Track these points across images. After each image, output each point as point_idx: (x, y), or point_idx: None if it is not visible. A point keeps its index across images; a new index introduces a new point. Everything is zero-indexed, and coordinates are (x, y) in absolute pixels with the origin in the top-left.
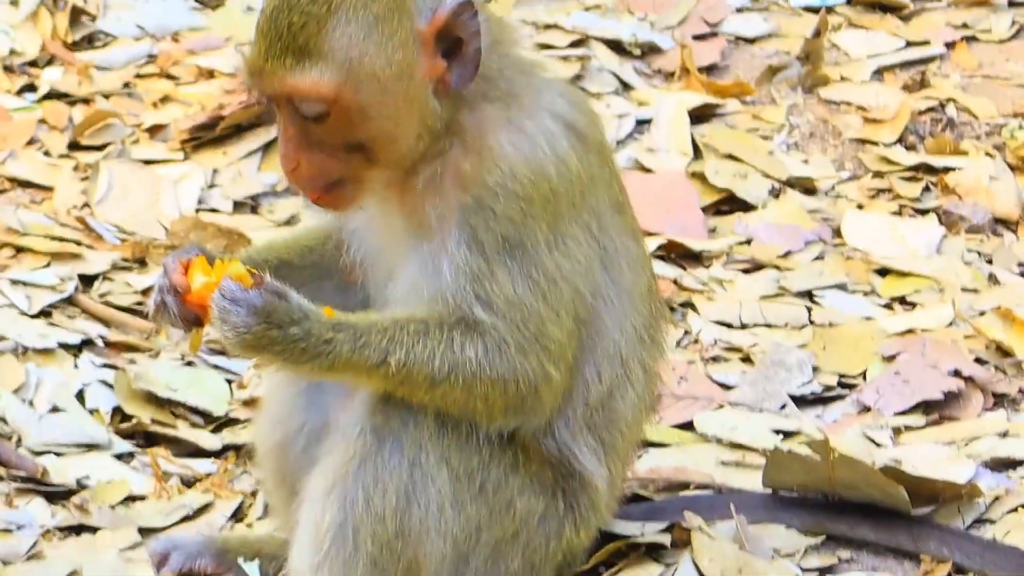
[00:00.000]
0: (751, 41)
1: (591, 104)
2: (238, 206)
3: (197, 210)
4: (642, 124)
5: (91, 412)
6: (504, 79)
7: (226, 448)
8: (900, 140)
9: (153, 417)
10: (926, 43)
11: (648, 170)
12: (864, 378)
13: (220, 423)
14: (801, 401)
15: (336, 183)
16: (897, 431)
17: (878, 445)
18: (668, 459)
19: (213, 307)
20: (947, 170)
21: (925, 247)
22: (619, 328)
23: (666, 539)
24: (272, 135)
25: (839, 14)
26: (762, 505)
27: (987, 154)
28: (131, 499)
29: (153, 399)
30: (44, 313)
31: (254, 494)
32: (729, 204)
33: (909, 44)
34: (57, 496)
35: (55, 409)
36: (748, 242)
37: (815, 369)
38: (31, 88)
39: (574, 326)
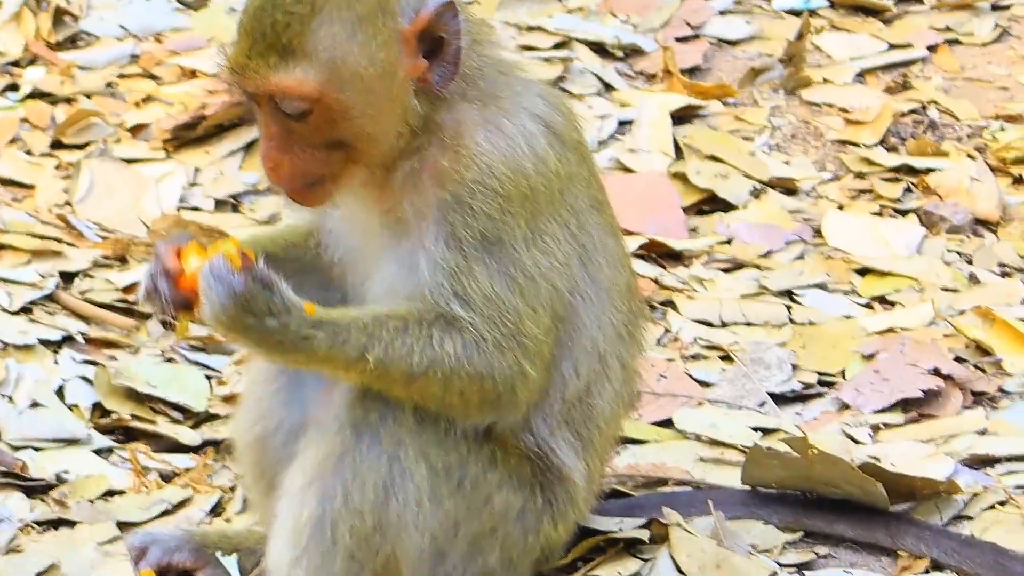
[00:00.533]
0: (733, 43)
1: (570, 104)
2: (219, 205)
3: (179, 208)
4: (624, 125)
5: (71, 408)
6: (484, 78)
7: (205, 443)
8: (882, 142)
9: (133, 413)
10: (908, 46)
11: (630, 170)
12: (844, 376)
13: (200, 419)
14: (781, 399)
15: (315, 181)
16: (876, 429)
17: (857, 442)
18: (647, 455)
19: (201, 280)
20: (928, 171)
21: (905, 247)
22: (597, 324)
23: (644, 535)
24: (254, 135)
25: (821, 17)
26: (740, 501)
27: (968, 156)
28: (110, 494)
29: (133, 395)
30: (25, 310)
31: (233, 489)
32: (710, 204)
33: (891, 47)
34: (36, 490)
35: (35, 404)
36: (729, 242)
37: (795, 367)
38: (14, 88)
39: (551, 323)
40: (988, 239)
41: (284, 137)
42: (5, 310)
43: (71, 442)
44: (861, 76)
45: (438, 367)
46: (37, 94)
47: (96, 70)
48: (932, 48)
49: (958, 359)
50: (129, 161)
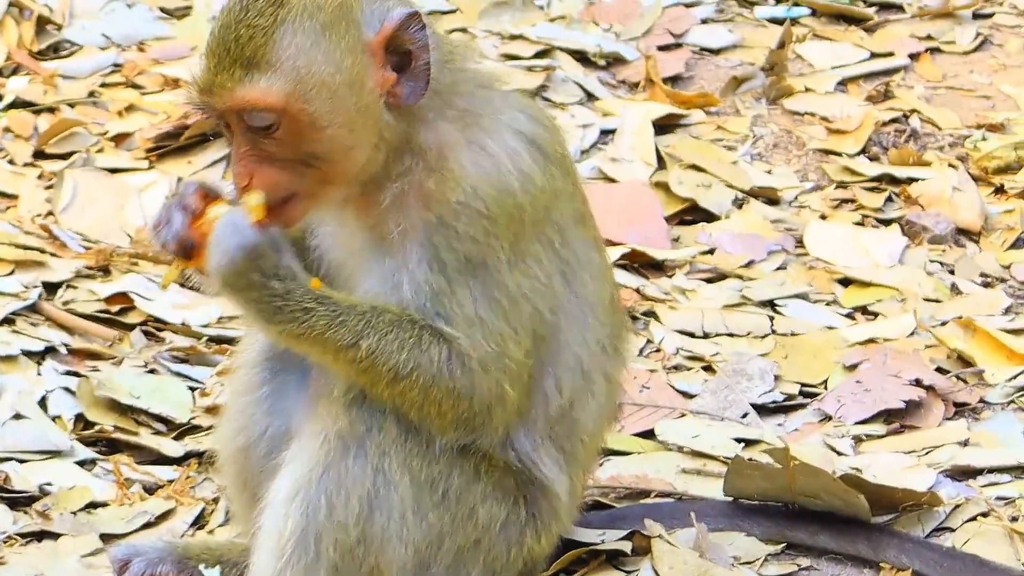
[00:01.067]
0: (715, 52)
1: (551, 117)
2: None
3: None
4: (606, 134)
5: (54, 419)
6: (460, 96)
7: (188, 455)
8: (863, 151)
9: (116, 424)
10: (890, 54)
11: (612, 180)
12: (825, 387)
13: (182, 430)
14: (762, 410)
15: (288, 198)
16: (858, 440)
17: (839, 454)
18: (629, 467)
19: (216, 227)
20: (910, 181)
21: (887, 257)
22: (581, 340)
23: (627, 546)
24: None
25: (803, 25)
26: (723, 513)
27: (950, 165)
28: (93, 505)
29: (116, 406)
30: (7, 320)
31: (216, 501)
32: (692, 214)
33: (873, 55)
34: (19, 502)
35: (18, 416)
36: (711, 252)
37: (777, 378)
38: None
39: (532, 345)
40: (970, 249)
41: (255, 154)
42: None
43: (54, 454)
44: (843, 85)
45: (421, 371)
46: (20, 103)
47: (79, 79)
48: (914, 57)
49: (940, 370)
50: (112, 171)
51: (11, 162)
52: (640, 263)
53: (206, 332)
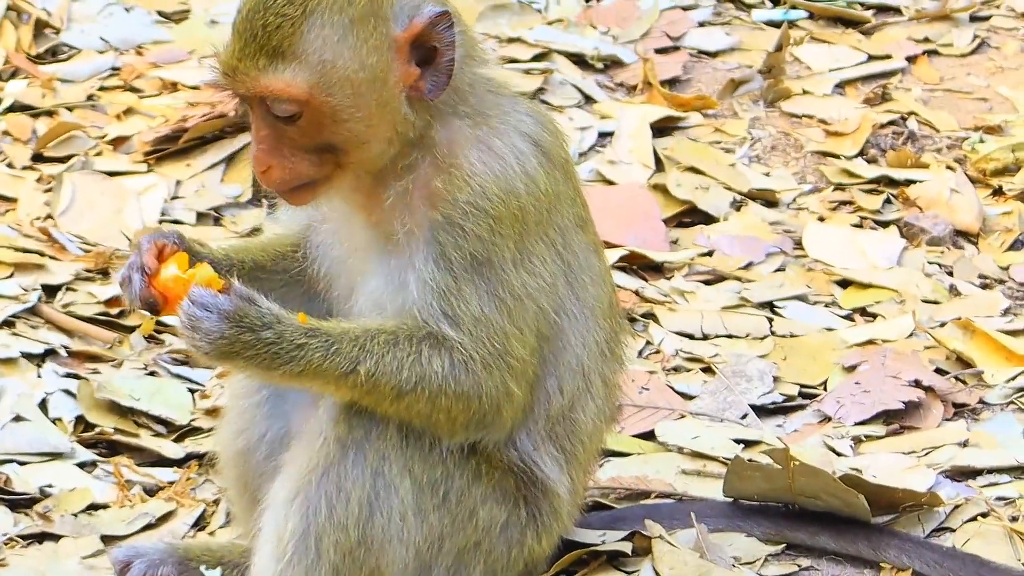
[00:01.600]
0: (713, 55)
1: (556, 122)
2: (201, 217)
3: (160, 221)
4: (604, 137)
5: (54, 421)
6: (474, 95)
7: (188, 457)
8: (861, 153)
9: (116, 426)
10: (887, 57)
11: (610, 182)
12: (825, 388)
13: (183, 432)
14: (762, 411)
15: (304, 183)
16: (857, 441)
17: (838, 454)
18: (630, 468)
19: (182, 315)
20: (908, 183)
21: (886, 259)
22: (581, 342)
23: (627, 547)
24: (235, 147)
25: (801, 28)
26: (723, 514)
27: (948, 167)
28: (94, 507)
29: (116, 408)
30: (7, 323)
31: (216, 502)
32: (691, 216)
33: (871, 58)
34: (20, 504)
35: (18, 418)
36: (710, 254)
37: (776, 379)
38: None
39: (536, 343)
40: (968, 251)
41: (275, 139)
42: None
43: (54, 456)
44: (840, 87)
45: (426, 384)
46: (18, 107)
47: (77, 83)
48: (911, 59)
49: (939, 371)
50: (110, 174)
51: (10, 165)
52: (639, 265)
53: None
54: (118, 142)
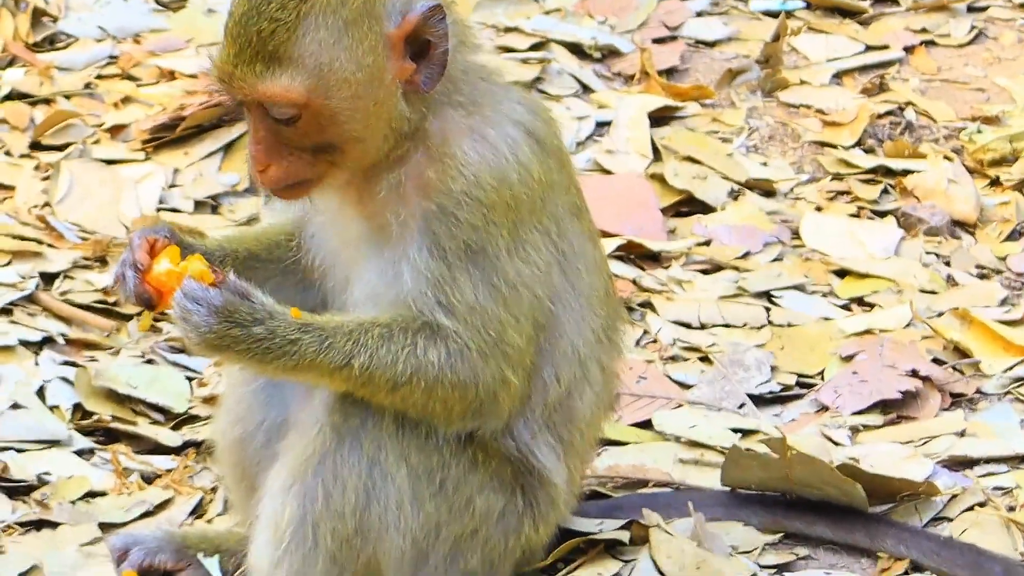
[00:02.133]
0: (711, 45)
1: (549, 110)
2: (199, 206)
3: (158, 210)
4: (602, 126)
5: (52, 409)
6: (467, 83)
7: (186, 445)
8: (859, 143)
9: (113, 414)
10: (885, 47)
11: (608, 172)
12: (822, 378)
13: (180, 420)
14: (759, 400)
15: (301, 182)
16: (855, 430)
17: (836, 444)
18: (627, 457)
19: (175, 306)
20: (906, 173)
21: (883, 249)
22: (577, 330)
23: (624, 536)
24: (233, 136)
25: (798, 18)
26: (720, 503)
27: (945, 157)
28: (91, 495)
29: (113, 396)
30: (5, 311)
31: (214, 490)
32: (688, 206)
33: (868, 48)
34: (18, 492)
35: (16, 406)
36: (707, 243)
37: (773, 369)
38: None
39: (533, 331)
40: (966, 241)
41: (272, 140)
42: None
43: (52, 443)
44: (838, 77)
45: (422, 375)
46: (16, 95)
47: (75, 71)
48: (908, 50)
49: (936, 361)
50: (108, 162)
51: (8, 153)
52: (636, 254)
53: None
54: (116, 130)
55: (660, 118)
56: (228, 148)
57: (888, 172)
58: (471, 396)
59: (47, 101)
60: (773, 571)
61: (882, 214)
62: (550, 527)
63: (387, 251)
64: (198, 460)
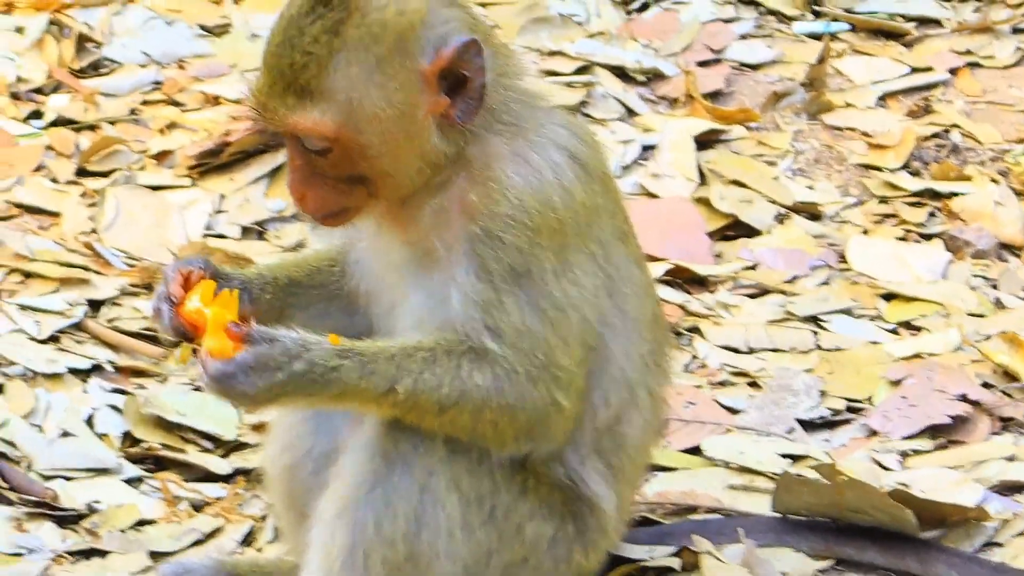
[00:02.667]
0: (755, 67)
1: (594, 134)
2: (245, 232)
3: (204, 236)
4: (647, 150)
5: (100, 437)
6: (509, 111)
7: (236, 472)
8: (905, 166)
9: (163, 442)
10: (929, 69)
11: (653, 195)
12: (871, 402)
13: (230, 447)
14: (808, 425)
15: (339, 211)
16: (905, 455)
17: (886, 469)
18: (676, 483)
19: (209, 389)
20: (952, 195)
21: (930, 272)
22: (625, 355)
23: (675, 563)
24: (278, 161)
25: (842, 40)
26: (770, 529)
27: (992, 180)
28: (141, 523)
29: (162, 424)
30: (53, 338)
31: (264, 518)
32: (734, 229)
33: (913, 70)
34: (67, 520)
35: (65, 434)
36: (754, 267)
37: (822, 393)
38: (37, 115)
39: (583, 354)
40: (1013, 263)
41: (308, 170)
42: (33, 339)
43: (101, 471)
44: (883, 100)
45: (468, 399)
46: (61, 121)
47: (119, 97)
48: (953, 71)
49: (985, 385)
50: (154, 188)
51: (53, 180)
52: (683, 279)
53: None
54: (161, 156)
55: (705, 141)
56: (274, 174)
57: (934, 195)
58: (521, 419)
59: (92, 127)
60: None
61: (929, 237)
62: (600, 554)
63: (434, 275)
64: (248, 488)
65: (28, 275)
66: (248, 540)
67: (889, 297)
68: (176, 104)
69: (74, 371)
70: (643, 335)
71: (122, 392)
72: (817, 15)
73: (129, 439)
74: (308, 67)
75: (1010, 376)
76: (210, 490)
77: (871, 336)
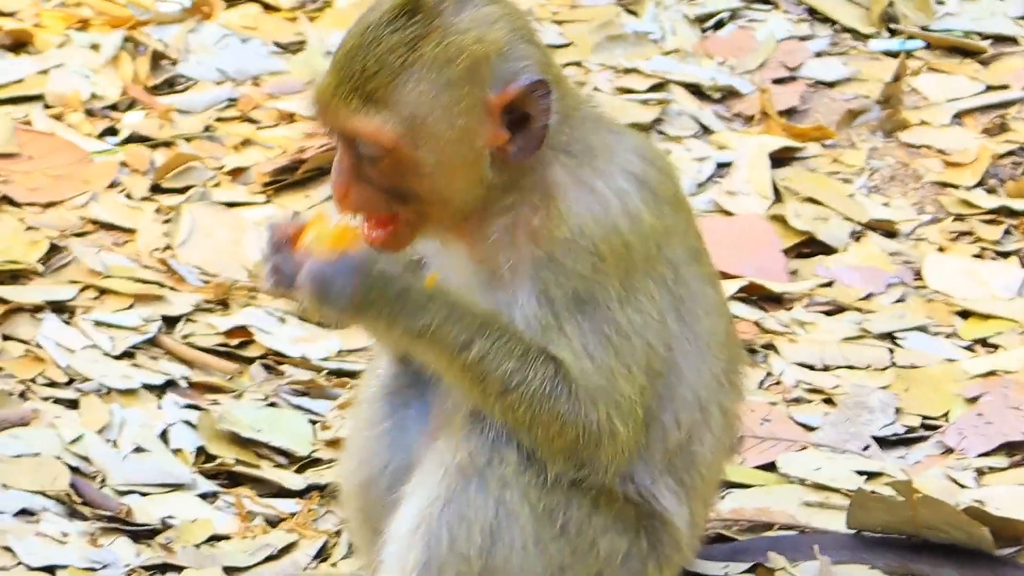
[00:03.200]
0: (830, 85)
1: (665, 156)
2: None
3: None
4: (722, 167)
5: (175, 452)
6: (576, 139)
7: (310, 488)
8: (980, 183)
9: (237, 457)
10: (1005, 87)
11: (729, 213)
12: (947, 419)
13: (303, 463)
14: (884, 442)
15: (388, 220)
16: (980, 472)
17: (961, 486)
18: (751, 500)
19: (308, 283)
20: None
21: (1006, 289)
22: (697, 375)
23: None
24: None
25: (918, 58)
26: (846, 546)
27: None
28: (216, 539)
29: (237, 439)
30: (127, 354)
31: (338, 534)
32: (810, 247)
33: (988, 88)
34: (141, 536)
35: (139, 449)
36: (829, 284)
37: (898, 411)
38: (112, 132)
39: (646, 381)
40: None
41: (354, 172)
42: (108, 354)
43: (176, 487)
44: (958, 118)
45: (529, 387)
46: (136, 138)
47: (194, 114)
48: None
49: None
50: (229, 205)
51: (128, 196)
52: (758, 296)
53: (326, 365)
54: (236, 173)
55: (780, 159)
56: None
57: (1010, 212)
58: (572, 434)
59: (167, 144)
60: None
61: (1005, 254)
62: (674, 570)
63: (499, 295)
64: (322, 503)
65: (103, 291)
66: (322, 555)
67: (965, 314)
68: (251, 121)
69: (148, 387)
70: (716, 354)
71: (196, 408)
72: (892, 32)
73: (203, 455)
74: (379, 75)
75: None
76: (284, 505)
77: (947, 353)
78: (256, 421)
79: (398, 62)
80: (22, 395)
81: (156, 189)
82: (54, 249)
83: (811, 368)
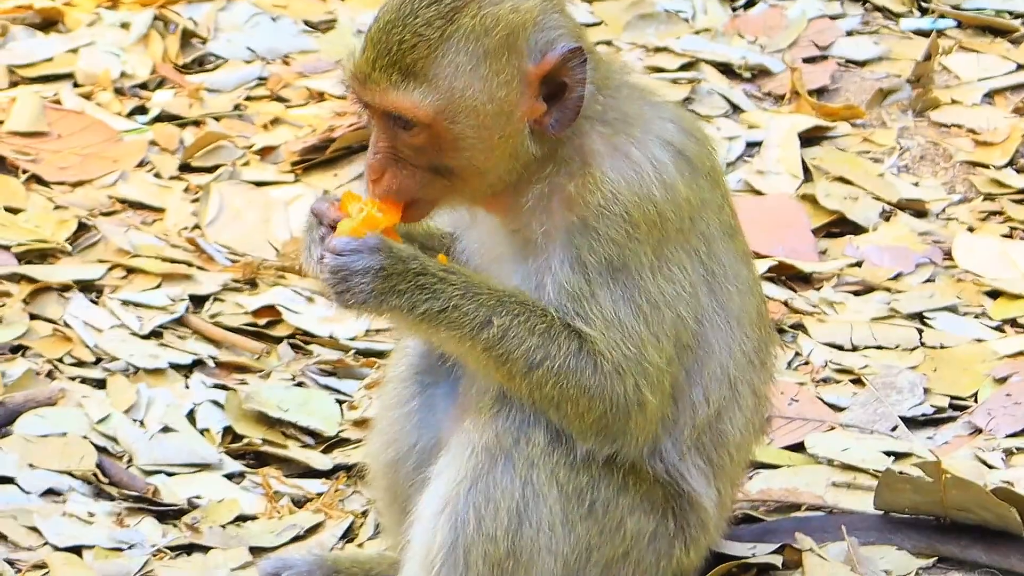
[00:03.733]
0: (861, 64)
1: (703, 128)
2: None
3: None
4: (752, 146)
5: (202, 432)
6: (613, 108)
7: (336, 468)
8: (1011, 163)
9: (264, 437)
10: None
11: (759, 192)
12: (975, 400)
13: (330, 443)
14: (912, 423)
15: (412, 201)
16: (1009, 453)
17: (990, 467)
18: (779, 480)
19: (330, 268)
20: None
21: None
22: (728, 352)
23: (777, 560)
24: None
25: (949, 37)
26: (873, 526)
27: None
28: (242, 519)
29: (264, 419)
30: (155, 334)
31: (364, 514)
32: (840, 226)
33: (1020, 67)
34: (168, 515)
35: (166, 429)
36: (859, 264)
37: (926, 391)
38: (142, 110)
39: (674, 352)
40: None
41: (391, 152)
42: (136, 334)
43: (203, 467)
44: (989, 97)
45: (554, 362)
46: (165, 117)
47: (224, 92)
48: None
49: None
50: (258, 184)
51: (157, 175)
52: (788, 276)
53: (353, 345)
54: (265, 152)
55: (811, 138)
56: None
57: None
58: (600, 408)
59: (196, 123)
60: None
61: None
62: (701, 550)
63: (532, 261)
64: (349, 484)
65: (131, 270)
66: (348, 535)
67: (994, 294)
68: (280, 100)
69: (176, 366)
70: (746, 332)
71: (223, 388)
72: (924, 12)
73: (230, 434)
74: (417, 48)
75: None
76: (311, 486)
77: (976, 333)
78: (283, 401)
79: (436, 34)
80: (49, 375)
81: (185, 168)
82: (82, 228)
83: (840, 348)
